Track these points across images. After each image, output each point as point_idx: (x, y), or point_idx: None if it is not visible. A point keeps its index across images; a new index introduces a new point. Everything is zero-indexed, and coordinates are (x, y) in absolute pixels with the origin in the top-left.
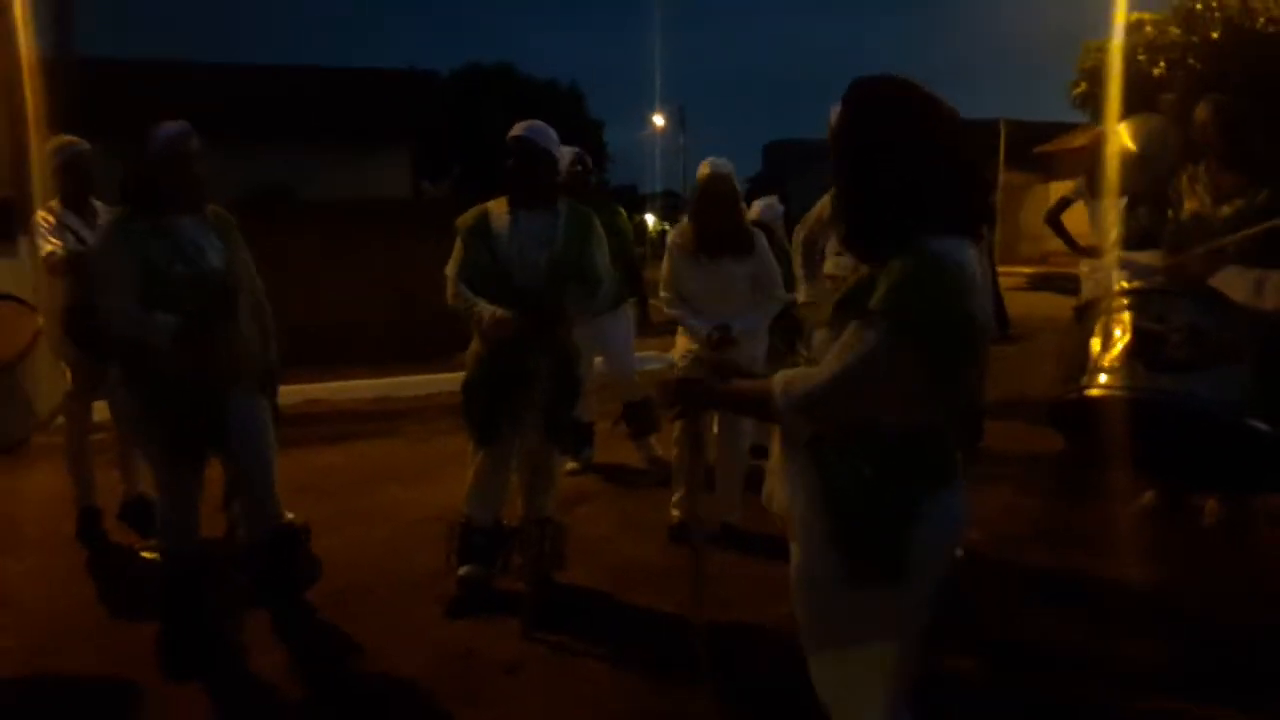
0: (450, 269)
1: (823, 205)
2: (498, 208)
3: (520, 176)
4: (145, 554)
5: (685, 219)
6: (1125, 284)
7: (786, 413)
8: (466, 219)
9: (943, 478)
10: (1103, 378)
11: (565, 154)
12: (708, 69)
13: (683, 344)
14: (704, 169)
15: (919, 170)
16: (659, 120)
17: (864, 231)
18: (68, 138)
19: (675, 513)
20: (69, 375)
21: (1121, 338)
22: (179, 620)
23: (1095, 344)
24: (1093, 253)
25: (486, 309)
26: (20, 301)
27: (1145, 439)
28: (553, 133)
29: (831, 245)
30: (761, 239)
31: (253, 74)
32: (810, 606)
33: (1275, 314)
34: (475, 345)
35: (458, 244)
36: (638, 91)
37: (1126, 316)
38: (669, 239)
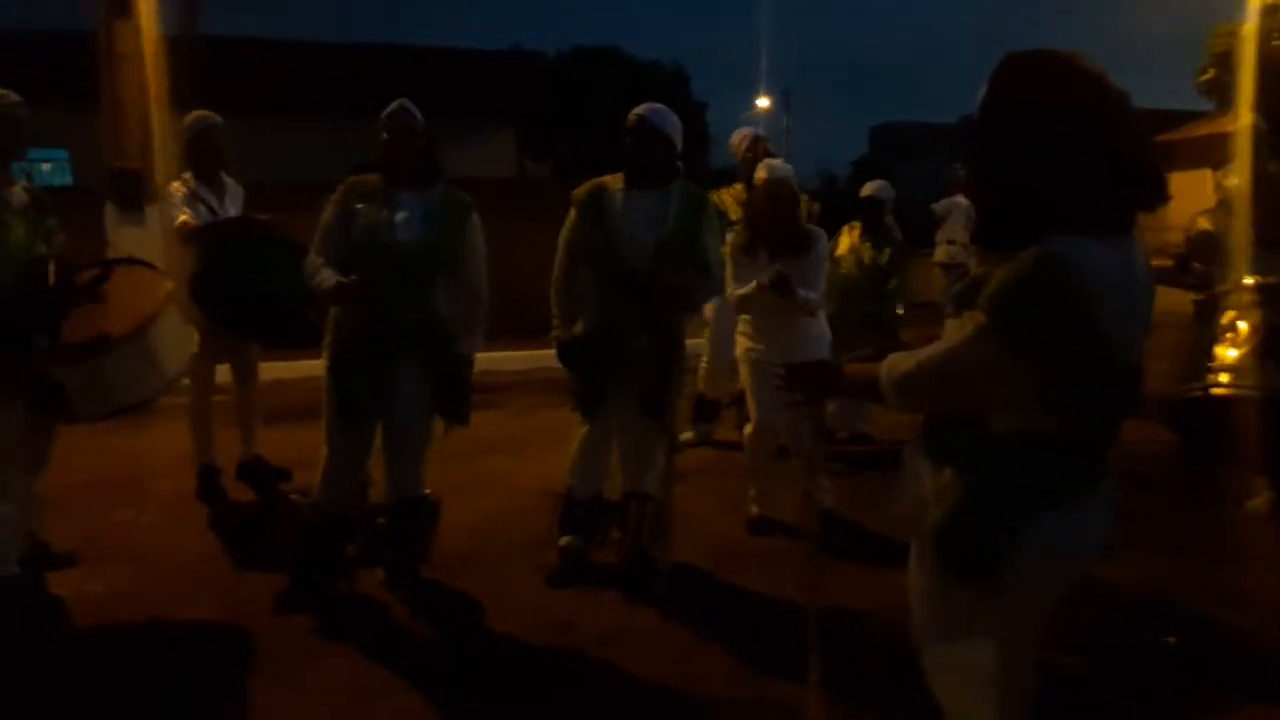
0: (563, 237)
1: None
2: (614, 183)
3: (634, 156)
4: (293, 496)
5: (740, 225)
6: (1253, 279)
7: (888, 393)
8: (581, 192)
9: (1052, 500)
10: (1229, 376)
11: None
12: (814, 51)
13: (744, 342)
14: (761, 172)
15: (1063, 156)
16: (763, 103)
17: (992, 219)
18: (202, 112)
19: (754, 508)
20: (195, 338)
21: (1250, 334)
22: (313, 570)
23: (1221, 341)
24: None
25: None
26: (150, 266)
27: (1273, 439)
28: (674, 116)
29: (942, 233)
30: (821, 242)
31: (362, 53)
32: (916, 598)
33: None
34: (580, 321)
35: (571, 214)
36: (743, 74)
37: (1256, 313)
38: (728, 239)
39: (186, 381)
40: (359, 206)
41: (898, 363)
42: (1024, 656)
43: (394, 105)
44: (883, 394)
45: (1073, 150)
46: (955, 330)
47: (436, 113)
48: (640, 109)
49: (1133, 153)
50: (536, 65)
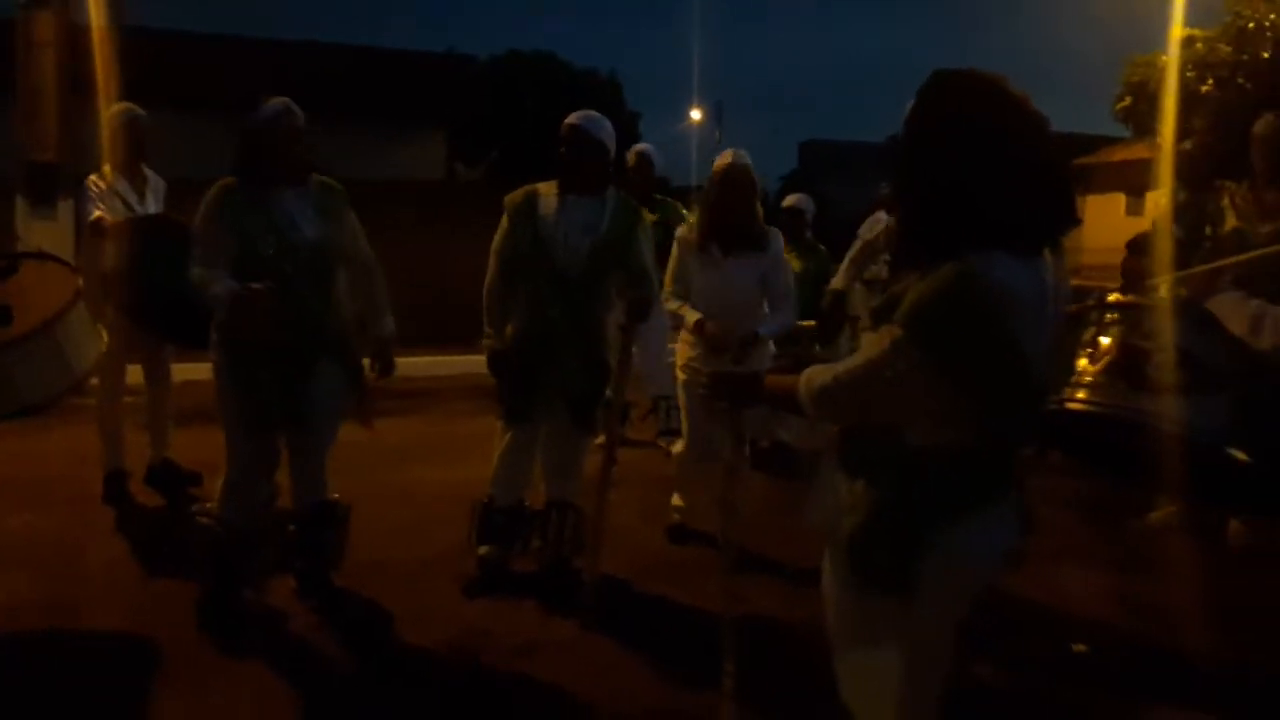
0: (495, 245)
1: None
2: (547, 190)
3: (572, 164)
4: (200, 518)
5: (696, 213)
6: (1117, 296)
7: (807, 405)
8: (515, 197)
9: (964, 510)
10: (1083, 391)
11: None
12: (746, 66)
13: (685, 351)
14: (724, 157)
15: (984, 174)
16: (695, 114)
17: (914, 234)
18: (125, 105)
19: (676, 516)
20: (105, 337)
21: (1108, 351)
22: (225, 588)
23: (1081, 355)
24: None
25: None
26: (61, 261)
27: (1123, 454)
28: (608, 124)
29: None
30: (778, 240)
31: (291, 50)
32: (830, 605)
33: (1266, 353)
34: (510, 327)
35: (504, 221)
36: (676, 85)
37: (1115, 331)
38: (677, 233)
39: (95, 381)
40: (245, 212)
41: (815, 375)
42: (935, 665)
43: (278, 106)
44: (801, 405)
45: (995, 167)
46: (873, 344)
47: (366, 113)
48: (576, 117)
49: (1050, 174)
50: (469, 69)
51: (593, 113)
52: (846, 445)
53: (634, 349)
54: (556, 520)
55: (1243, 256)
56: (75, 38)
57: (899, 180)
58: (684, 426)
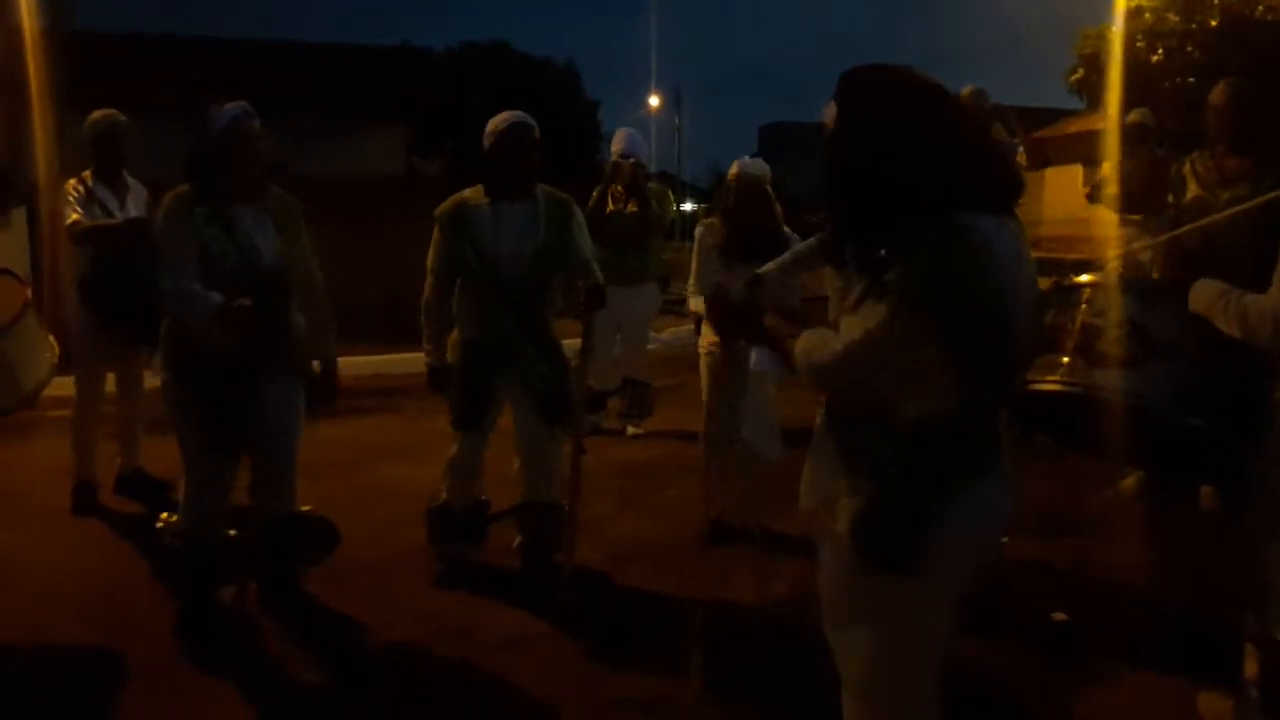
0: (430, 261)
1: None
2: (475, 197)
3: (512, 168)
4: (167, 537)
5: (715, 217)
6: (1075, 278)
7: (804, 374)
8: (445, 209)
9: (967, 476)
10: (1045, 371)
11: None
12: (705, 51)
13: (708, 334)
14: (735, 169)
15: (926, 158)
16: (654, 101)
17: (864, 229)
18: (106, 111)
19: (711, 512)
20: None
21: (1072, 331)
22: (196, 601)
23: (1045, 335)
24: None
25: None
26: (10, 274)
27: (1085, 430)
28: (534, 122)
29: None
30: (795, 243)
31: (245, 48)
32: (829, 589)
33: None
34: (455, 333)
35: (436, 234)
36: (634, 72)
37: (1076, 310)
38: (697, 234)
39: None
40: (204, 226)
41: (813, 350)
42: (937, 639)
43: (234, 111)
44: (796, 369)
45: (933, 145)
46: (867, 316)
47: (324, 109)
48: (507, 120)
49: (982, 139)
50: (425, 61)
51: (519, 113)
52: (839, 426)
53: (617, 337)
54: (538, 519)
55: (1196, 224)
56: (21, 43)
57: (840, 180)
58: (705, 405)
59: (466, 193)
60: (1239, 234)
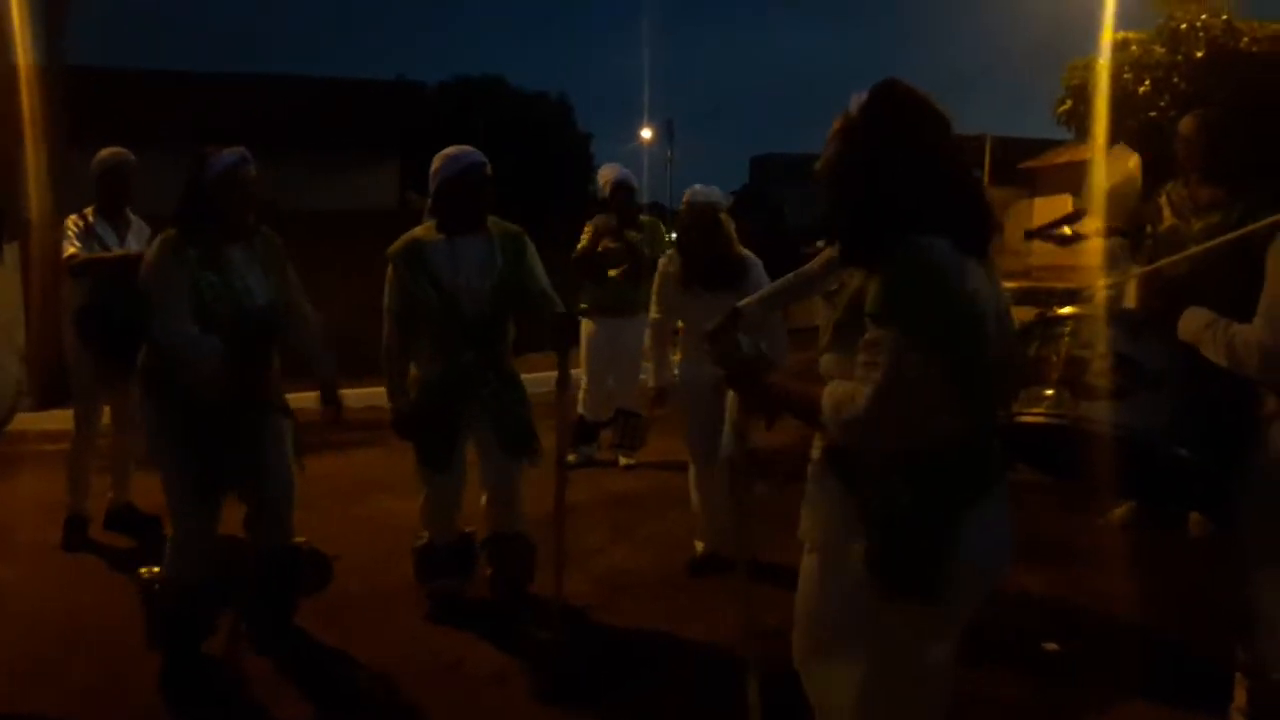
0: (387, 303)
1: None
2: (428, 235)
3: (471, 205)
4: (148, 579)
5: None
6: (1060, 310)
7: (837, 435)
8: (397, 249)
9: (969, 501)
10: (1031, 404)
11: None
12: (696, 83)
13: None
14: (686, 197)
15: (922, 176)
16: (646, 133)
17: (863, 234)
18: (114, 149)
19: (698, 545)
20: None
21: (1056, 363)
22: (184, 645)
23: (1029, 369)
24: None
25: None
26: None
27: (1073, 461)
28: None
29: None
30: (756, 268)
31: (240, 83)
32: (821, 617)
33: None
34: (414, 372)
35: (391, 274)
36: (627, 105)
37: (1061, 342)
38: (660, 263)
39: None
40: (198, 270)
41: (843, 405)
42: (946, 667)
43: (232, 158)
44: (823, 426)
45: (931, 164)
46: (876, 355)
47: (319, 143)
48: (462, 156)
49: (968, 181)
50: (419, 96)
51: (468, 148)
52: (840, 455)
53: (610, 374)
54: (504, 552)
55: (1176, 257)
56: (15, 79)
57: (854, 184)
58: (688, 438)
59: (417, 230)
60: (1214, 262)
